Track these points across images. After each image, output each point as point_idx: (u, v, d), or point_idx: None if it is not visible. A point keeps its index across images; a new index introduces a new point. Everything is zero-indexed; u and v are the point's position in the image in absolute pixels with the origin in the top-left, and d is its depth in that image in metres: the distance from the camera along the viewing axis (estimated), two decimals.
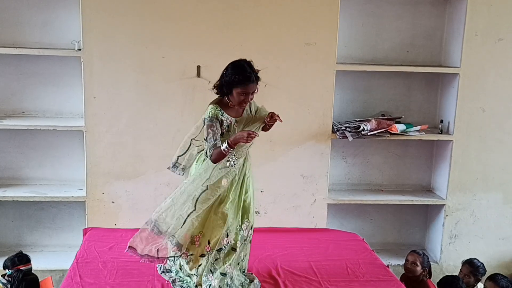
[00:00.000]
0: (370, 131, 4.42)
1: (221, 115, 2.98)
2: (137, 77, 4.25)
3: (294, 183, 4.51)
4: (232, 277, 3.12)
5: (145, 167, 4.37)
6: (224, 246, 3.07)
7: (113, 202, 4.39)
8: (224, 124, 2.99)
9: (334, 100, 4.45)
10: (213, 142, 2.95)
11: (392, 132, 4.51)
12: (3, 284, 3.78)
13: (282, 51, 4.29)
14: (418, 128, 4.59)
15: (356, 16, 4.63)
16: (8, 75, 4.44)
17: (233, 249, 3.10)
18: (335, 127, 4.49)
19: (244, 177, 3.13)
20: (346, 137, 4.40)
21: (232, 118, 3.02)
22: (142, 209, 4.37)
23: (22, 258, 3.83)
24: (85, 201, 4.38)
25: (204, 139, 3.05)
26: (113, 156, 4.33)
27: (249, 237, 3.21)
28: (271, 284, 3.25)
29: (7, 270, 3.78)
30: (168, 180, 4.28)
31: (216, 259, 3.08)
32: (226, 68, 2.98)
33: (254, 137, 2.90)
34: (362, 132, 4.41)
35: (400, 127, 4.54)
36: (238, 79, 2.89)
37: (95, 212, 4.38)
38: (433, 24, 4.72)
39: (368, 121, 4.47)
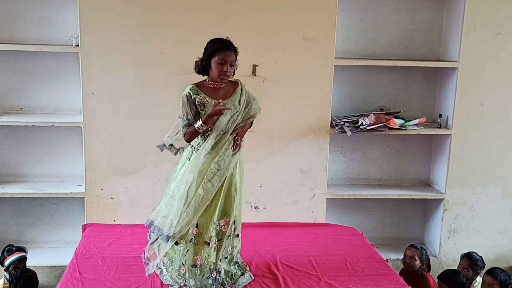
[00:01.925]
0: (369, 125, 4.42)
1: (196, 95, 3.00)
2: (135, 72, 4.24)
3: (293, 178, 4.51)
4: (220, 271, 3.12)
5: (144, 162, 4.36)
6: (194, 237, 3.07)
7: (112, 198, 4.39)
8: (198, 102, 3.00)
9: (333, 95, 4.44)
10: (186, 121, 3.00)
11: (390, 126, 4.51)
12: (7, 279, 3.79)
13: (280, 46, 4.28)
14: (416, 121, 4.59)
15: (354, 11, 4.62)
16: (5, 71, 4.43)
17: (207, 243, 3.09)
18: (333, 122, 4.48)
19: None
20: (345, 132, 4.39)
21: (211, 99, 3.01)
22: (141, 205, 4.38)
23: (10, 249, 3.84)
24: (84, 197, 4.37)
25: (178, 117, 3.08)
26: (112, 152, 4.32)
27: (234, 231, 3.19)
28: (270, 279, 3.24)
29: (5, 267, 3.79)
30: (167, 176, 4.26)
31: (187, 250, 3.09)
32: (206, 45, 3.04)
33: (225, 109, 2.93)
34: (361, 127, 4.40)
35: (399, 121, 4.54)
36: (216, 47, 2.98)
37: (94, 208, 4.37)
38: (432, 18, 4.72)
39: (367, 115, 4.47)
